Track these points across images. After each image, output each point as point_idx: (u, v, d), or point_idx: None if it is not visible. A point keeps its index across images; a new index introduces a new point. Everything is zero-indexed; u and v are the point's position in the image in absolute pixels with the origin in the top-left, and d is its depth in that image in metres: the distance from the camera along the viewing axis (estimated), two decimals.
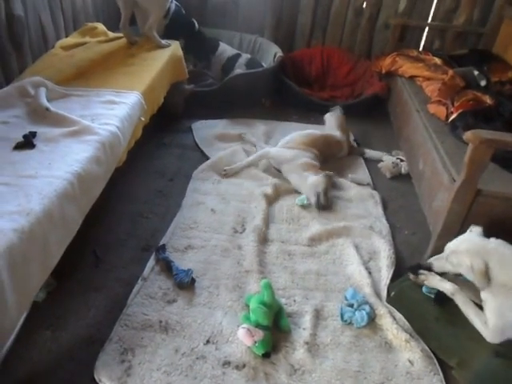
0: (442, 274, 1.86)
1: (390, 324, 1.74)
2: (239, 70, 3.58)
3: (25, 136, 1.73)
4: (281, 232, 2.25)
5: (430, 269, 1.87)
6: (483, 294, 1.70)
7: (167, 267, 1.94)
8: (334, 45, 4.12)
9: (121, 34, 2.95)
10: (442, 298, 1.83)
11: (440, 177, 2.13)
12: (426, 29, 4.00)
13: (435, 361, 1.65)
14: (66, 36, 2.93)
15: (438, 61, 3.38)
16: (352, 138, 3.21)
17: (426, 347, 1.69)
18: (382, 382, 1.57)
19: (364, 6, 3.93)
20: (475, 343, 1.68)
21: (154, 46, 2.90)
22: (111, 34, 3.03)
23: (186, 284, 1.84)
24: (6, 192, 1.43)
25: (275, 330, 1.68)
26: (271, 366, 1.57)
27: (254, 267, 1.97)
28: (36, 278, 1.38)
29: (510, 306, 1.64)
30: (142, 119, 2.30)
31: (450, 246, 1.81)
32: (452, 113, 2.54)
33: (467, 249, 1.72)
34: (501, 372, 1.60)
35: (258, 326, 1.63)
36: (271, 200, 2.47)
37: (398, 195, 2.68)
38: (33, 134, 1.76)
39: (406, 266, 2.05)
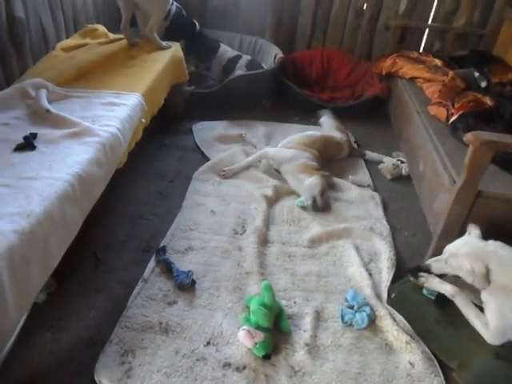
0: (442, 276, 1.85)
1: (390, 326, 1.74)
2: (240, 71, 3.59)
3: (25, 137, 1.73)
4: (281, 233, 2.25)
5: (428, 271, 1.87)
6: (484, 296, 1.70)
7: (167, 269, 1.94)
8: (335, 46, 4.13)
9: (121, 36, 2.96)
10: (442, 300, 1.83)
11: (440, 178, 2.13)
12: (427, 30, 4.00)
13: (436, 363, 1.65)
14: (67, 37, 2.93)
15: (438, 62, 3.38)
16: (353, 139, 3.21)
17: (427, 349, 1.68)
18: None
19: (364, 7, 3.94)
20: (476, 345, 1.68)
21: (154, 48, 2.91)
22: (112, 36, 3.04)
23: (186, 285, 1.84)
24: (7, 193, 1.43)
25: (275, 331, 1.68)
26: (271, 368, 1.57)
27: (254, 269, 1.97)
28: (36, 279, 1.38)
29: (511, 307, 1.64)
30: (143, 121, 2.30)
31: (450, 248, 1.81)
32: (452, 114, 2.54)
33: (467, 252, 1.72)
34: (501, 374, 1.59)
35: (258, 327, 1.63)
36: (271, 201, 2.47)
37: (399, 197, 2.68)
38: (33, 136, 1.76)
39: (407, 268, 2.06)
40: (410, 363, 1.63)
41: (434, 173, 2.24)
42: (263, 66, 3.72)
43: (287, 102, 3.67)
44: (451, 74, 2.94)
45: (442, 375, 1.61)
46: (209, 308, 1.79)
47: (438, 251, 1.88)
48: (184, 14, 3.54)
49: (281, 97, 3.68)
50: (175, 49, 2.99)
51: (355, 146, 3.14)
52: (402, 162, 2.89)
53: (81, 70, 2.46)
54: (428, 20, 3.95)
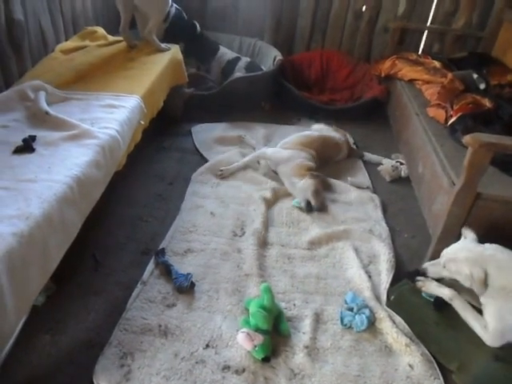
0: (440, 279, 1.86)
1: (389, 328, 1.74)
2: (239, 73, 3.59)
3: (24, 140, 1.73)
4: (280, 235, 2.25)
5: (425, 275, 1.87)
6: (482, 298, 1.70)
7: (167, 271, 1.93)
8: (334, 48, 4.13)
9: (120, 38, 2.96)
10: (440, 303, 1.83)
11: (439, 180, 2.13)
12: (426, 32, 4.01)
13: (435, 365, 1.64)
14: (66, 40, 2.93)
15: (437, 64, 3.39)
16: (352, 141, 3.21)
17: (426, 351, 1.68)
18: None
19: (363, 9, 3.95)
20: (475, 347, 1.68)
21: (153, 50, 2.92)
22: (111, 38, 3.04)
23: (185, 288, 1.84)
24: (6, 196, 1.43)
25: (275, 334, 1.68)
26: (271, 371, 1.57)
27: (253, 271, 1.97)
28: (35, 282, 1.38)
29: (510, 309, 1.64)
30: (142, 123, 2.30)
31: (447, 252, 1.81)
32: (451, 116, 2.54)
33: (466, 257, 1.72)
34: (500, 376, 1.60)
35: (257, 330, 1.63)
36: (270, 203, 2.47)
37: (398, 198, 2.68)
38: (32, 138, 1.76)
39: (406, 270, 2.07)
40: (410, 365, 1.63)
41: (433, 175, 2.24)
42: (262, 68, 3.72)
43: (286, 104, 3.67)
44: (450, 75, 2.95)
45: (441, 377, 1.60)
46: (208, 310, 1.78)
47: (438, 253, 1.89)
48: (184, 15, 3.55)
49: (280, 99, 3.68)
50: (174, 51, 3.00)
51: (354, 147, 3.14)
52: (401, 164, 2.89)
53: (80, 72, 2.47)
54: (427, 22, 3.96)
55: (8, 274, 1.21)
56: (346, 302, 1.85)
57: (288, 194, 2.56)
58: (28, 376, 1.52)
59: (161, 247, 2.07)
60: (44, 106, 2.00)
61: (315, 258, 2.13)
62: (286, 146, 2.79)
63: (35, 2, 2.56)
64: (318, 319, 1.79)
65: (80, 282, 1.89)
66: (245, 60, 3.72)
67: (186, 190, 2.54)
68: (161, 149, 2.98)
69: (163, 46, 2.97)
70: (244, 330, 1.63)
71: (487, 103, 2.61)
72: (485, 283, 1.65)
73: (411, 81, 3.29)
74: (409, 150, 2.85)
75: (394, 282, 1.99)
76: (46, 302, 1.75)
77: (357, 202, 2.57)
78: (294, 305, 1.85)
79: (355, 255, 2.11)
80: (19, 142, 1.72)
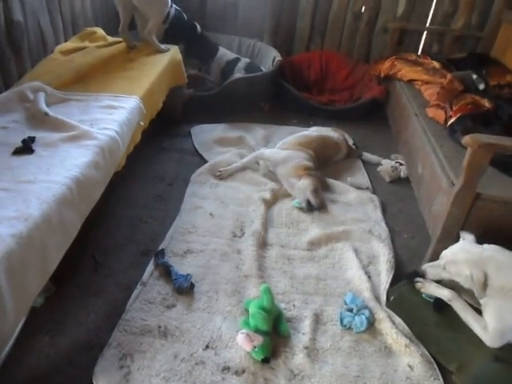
0: (439, 280, 1.86)
1: (389, 328, 1.74)
2: (238, 74, 3.59)
3: (23, 141, 1.73)
4: (280, 236, 2.25)
5: (424, 276, 1.87)
6: (482, 299, 1.70)
7: (166, 272, 1.93)
8: (333, 49, 4.14)
9: (120, 39, 2.96)
10: (440, 305, 1.83)
11: (439, 181, 2.13)
12: (425, 33, 4.02)
13: (435, 366, 1.64)
14: (65, 41, 2.93)
15: (436, 64, 3.39)
16: (351, 141, 3.21)
17: (426, 352, 1.68)
18: None
19: (362, 10, 3.95)
20: (475, 348, 1.68)
21: (153, 51, 2.92)
22: (110, 39, 3.04)
23: (185, 289, 1.84)
24: (5, 197, 1.43)
25: (274, 334, 1.68)
26: (271, 372, 1.56)
27: (253, 272, 1.97)
28: (34, 283, 1.38)
29: (509, 310, 1.64)
30: (141, 124, 2.30)
31: (447, 254, 1.81)
32: (451, 116, 2.54)
33: (465, 259, 1.72)
34: (500, 376, 1.59)
35: (257, 331, 1.63)
36: (270, 204, 2.47)
37: (397, 199, 2.68)
38: (32, 139, 1.76)
39: (405, 271, 2.06)
40: (410, 366, 1.63)
41: (433, 175, 2.24)
42: (262, 68, 3.73)
43: (286, 105, 3.67)
44: (449, 76, 2.95)
45: (441, 378, 1.60)
46: (208, 311, 1.78)
47: (437, 253, 1.89)
48: (184, 16, 3.54)
49: (279, 99, 3.69)
50: (174, 52, 3.00)
51: (353, 147, 3.14)
52: (401, 165, 2.90)
53: (79, 73, 2.47)
54: (426, 22, 3.96)
55: (7, 275, 1.21)
56: (346, 303, 1.85)
57: (287, 195, 2.56)
58: (27, 377, 1.51)
59: (160, 248, 2.07)
60: (43, 107, 2.00)
61: (315, 258, 2.13)
62: (284, 146, 2.80)
63: (34, 2, 2.57)
64: (317, 320, 1.79)
65: (79, 283, 1.89)
66: (244, 61, 3.72)
67: (185, 190, 2.54)
68: (160, 149, 2.98)
69: (163, 46, 2.97)
70: (244, 330, 1.63)
71: (486, 104, 2.61)
72: (484, 286, 1.65)
73: (410, 81, 3.30)
74: (408, 151, 2.85)
75: (394, 282, 1.98)
76: (45, 303, 1.75)
77: (356, 202, 2.56)
78: (294, 306, 1.85)
79: (355, 256, 2.11)
80: (18, 143, 1.72)
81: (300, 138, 2.86)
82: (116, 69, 2.63)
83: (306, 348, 1.65)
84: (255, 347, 1.57)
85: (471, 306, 1.79)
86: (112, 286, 1.89)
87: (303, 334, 1.71)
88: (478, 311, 1.75)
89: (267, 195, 2.49)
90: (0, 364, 1.48)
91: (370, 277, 2.02)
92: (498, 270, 1.66)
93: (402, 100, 3.17)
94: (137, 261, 2.03)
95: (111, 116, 2.05)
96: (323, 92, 4.02)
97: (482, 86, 2.93)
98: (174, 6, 3.41)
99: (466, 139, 1.79)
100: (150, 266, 1.97)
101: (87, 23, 3.21)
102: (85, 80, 2.43)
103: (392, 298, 1.90)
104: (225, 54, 3.75)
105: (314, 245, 2.20)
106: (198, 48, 3.66)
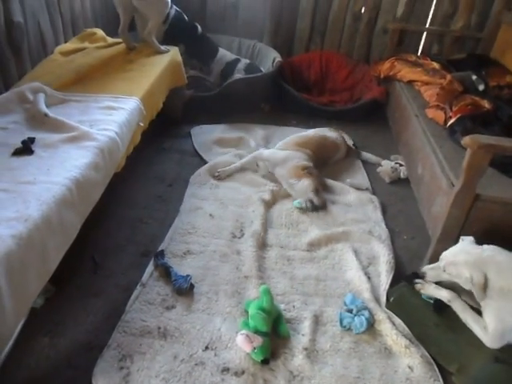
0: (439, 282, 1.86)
1: (389, 330, 1.74)
2: (238, 74, 3.59)
3: (23, 142, 1.73)
4: (280, 237, 2.24)
5: (423, 278, 1.87)
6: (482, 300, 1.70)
7: (166, 273, 1.93)
8: (333, 49, 4.13)
9: (120, 40, 2.96)
10: (440, 306, 1.83)
11: (439, 181, 2.13)
12: (425, 33, 4.01)
13: (435, 367, 1.64)
14: (65, 42, 2.93)
15: (436, 65, 3.39)
16: (351, 142, 3.21)
17: (426, 353, 1.68)
18: None
19: (362, 10, 3.95)
20: (475, 349, 1.68)
21: (152, 52, 2.92)
22: (110, 40, 3.04)
23: (184, 290, 1.84)
24: (5, 198, 1.43)
25: (274, 336, 1.68)
26: (270, 373, 1.56)
27: (252, 273, 1.96)
28: (34, 284, 1.38)
29: (509, 310, 1.64)
30: (141, 125, 2.30)
31: (447, 256, 1.81)
32: (450, 117, 2.54)
33: (465, 260, 1.72)
34: (500, 377, 1.59)
35: (256, 332, 1.62)
36: (269, 205, 2.47)
37: (397, 200, 2.68)
38: (31, 140, 1.76)
39: (405, 271, 2.07)
40: (409, 367, 1.63)
41: (432, 176, 2.24)
42: (262, 69, 3.73)
43: (286, 106, 3.67)
44: (449, 77, 2.95)
45: (441, 379, 1.60)
46: (207, 312, 1.78)
47: (437, 254, 1.89)
48: (184, 17, 3.52)
49: (279, 100, 3.68)
50: (174, 53, 3.00)
51: (353, 147, 3.14)
52: (401, 165, 2.89)
53: (79, 74, 2.47)
54: (426, 23, 3.96)
55: (6, 276, 1.21)
56: (346, 304, 1.85)
57: (287, 196, 2.56)
58: (26, 379, 1.51)
59: (160, 249, 2.06)
60: (43, 108, 2.00)
61: (314, 259, 2.12)
62: (283, 147, 2.80)
63: (34, 4, 2.57)
64: (317, 321, 1.78)
65: (79, 284, 1.89)
66: (244, 62, 3.72)
67: (185, 191, 2.54)
68: (160, 150, 2.98)
69: (162, 47, 2.97)
70: (243, 331, 1.63)
71: (486, 104, 2.61)
72: (485, 288, 1.65)
73: (410, 82, 3.30)
74: (408, 151, 2.85)
75: (394, 283, 1.98)
76: (44, 304, 1.75)
77: (356, 203, 2.56)
78: (294, 306, 1.85)
79: (354, 257, 2.11)
80: (18, 144, 1.72)
81: (298, 138, 2.86)
82: (116, 70, 2.63)
83: (306, 349, 1.65)
84: (255, 348, 1.57)
85: (471, 306, 1.78)
86: (112, 287, 1.89)
87: (303, 335, 1.71)
88: (479, 312, 1.74)
89: (267, 196, 2.49)
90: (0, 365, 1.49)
91: (369, 278, 2.02)
92: (497, 271, 1.66)
93: (402, 101, 3.17)
94: (136, 262, 2.02)
95: (111, 117, 2.05)
96: (323, 93, 4.01)
97: (481, 87, 2.93)
98: (174, 7, 3.41)
99: (466, 140, 1.78)
100: (150, 267, 1.97)
101: (87, 24, 3.22)
102: (85, 81, 2.43)
103: (392, 298, 1.90)
104: (224, 55, 3.75)
105: (313, 246, 2.20)
106: (198, 49, 3.66)
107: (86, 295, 1.84)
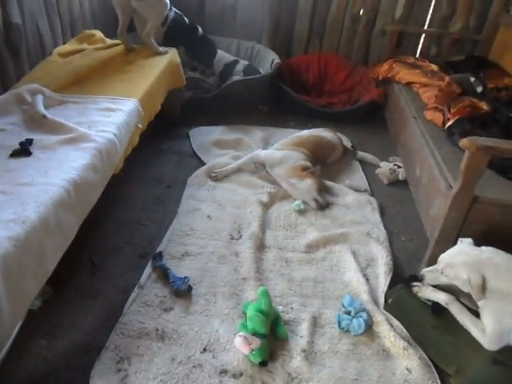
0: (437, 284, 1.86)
1: (387, 331, 1.73)
2: (237, 76, 3.59)
3: (21, 143, 1.73)
4: (278, 238, 2.24)
5: (422, 281, 1.87)
6: (480, 302, 1.70)
7: (164, 275, 1.93)
8: (331, 51, 4.14)
9: (118, 41, 2.96)
10: (438, 308, 1.83)
11: (437, 183, 2.13)
12: (423, 35, 4.02)
13: (433, 369, 1.64)
14: (64, 43, 2.93)
15: (434, 67, 3.39)
16: (349, 143, 3.22)
17: (424, 355, 1.68)
18: None
19: (361, 12, 3.95)
20: (473, 351, 1.68)
21: (151, 53, 2.92)
22: (109, 41, 3.04)
23: (182, 292, 1.83)
24: (2, 200, 1.42)
25: (272, 337, 1.67)
26: (268, 375, 1.56)
27: (251, 274, 1.96)
28: (31, 286, 1.37)
29: (507, 312, 1.64)
30: (139, 126, 2.30)
31: (444, 258, 1.81)
32: (449, 119, 2.54)
33: (463, 262, 1.72)
34: (498, 379, 1.59)
35: (254, 333, 1.62)
36: (267, 206, 2.47)
37: (396, 201, 2.68)
38: (29, 142, 1.76)
39: (404, 273, 2.07)
40: (408, 369, 1.63)
41: (431, 178, 2.25)
42: (260, 71, 3.73)
43: (284, 107, 3.67)
44: (447, 79, 2.95)
45: (439, 381, 1.60)
46: (205, 314, 1.78)
47: (435, 256, 1.89)
48: (184, 19, 3.48)
49: (278, 102, 3.68)
50: (172, 54, 3.00)
51: (351, 148, 3.14)
52: (399, 167, 2.90)
53: (77, 75, 2.46)
54: (424, 25, 3.97)
55: (4, 278, 1.20)
56: (344, 306, 1.85)
57: (285, 197, 2.56)
58: (24, 380, 1.51)
59: (158, 251, 2.06)
60: (41, 109, 1.99)
61: (313, 261, 2.12)
62: (279, 147, 2.80)
63: (33, 5, 2.57)
64: (315, 323, 1.78)
65: (77, 286, 1.88)
66: (243, 63, 3.72)
67: (183, 193, 2.53)
68: (159, 152, 2.98)
69: (161, 49, 2.97)
70: (241, 333, 1.62)
71: (484, 106, 2.61)
72: (483, 290, 1.65)
73: (408, 84, 3.30)
74: (406, 153, 2.85)
75: (392, 285, 1.98)
76: (42, 306, 1.74)
77: (354, 204, 2.56)
78: (292, 308, 1.85)
79: (353, 258, 2.11)
80: (16, 146, 1.71)
81: (294, 138, 2.87)
82: (114, 71, 2.63)
83: (304, 351, 1.65)
84: (253, 350, 1.57)
85: (470, 309, 1.78)
86: (110, 288, 1.88)
87: (301, 336, 1.71)
88: (477, 314, 1.74)
89: (264, 198, 2.49)
90: None
91: (368, 279, 2.01)
92: (495, 272, 1.66)
93: (401, 103, 3.17)
94: (134, 263, 2.02)
95: (109, 118, 2.05)
96: (322, 94, 4.02)
97: (479, 89, 2.93)
98: (173, 9, 3.40)
99: (464, 142, 1.79)
100: (148, 269, 1.97)
101: (86, 26, 3.21)
102: (83, 82, 2.43)
103: (390, 300, 1.90)
104: (223, 56, 3.75)
105: (311, 247, 2.20)
106: (199, 51, 3.65)
107: (84, 297, 1.83)
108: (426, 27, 3.97)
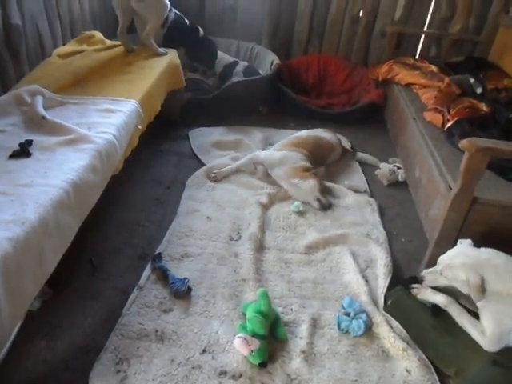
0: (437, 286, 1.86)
1: (386, 333, 1.73)
2: (236, 77, 3.60)
3: (21, 144, 1.73)
4: (277, 240, 2.24)
5: (421, 282, 1.87)
6: (479, 303, 1.70)
7: (163, 276, 1.93)
8: (331, 52, 4.15)
9: (118, 42, 2.97)
10: (438, 309, 1.82)
11: (436, 184, 2.13)
12: (422, 36, 4.03)
13: (433, 370, 1.64)
14: (64, 44, 2.93)
15: (434, 68, 3.40)
16: (349, 145, 3.22)
17: (424, 356, 1.67)
18: None
19: (360, 14, 3.96)
20: (473, 352, 1.67)
21: (151, 54, 2.92)
22: (108, 42, 3.04)
23: (182, 293, 1.83)
24: (2, 201, 1.42)
25: (272, 339, 1.67)
26: (268, 376, 1.56)
27: (250, 275, 1.96)
28: (31, 287, 1.37)
29: (507, 314, 1.64)
30: (139, 127, 2.30)
31: (444, 259, 1.81)
32: (448, 120, 2.54)
33: (462, 263, 1.72)
34: (498, 381, 1.59)
35: (254, 335, 1.62)
36: (266, 207, 2.47)
37: (395, 202, 2.68)
38: (29, 143, 1.76)
39: (403, 274, 2.07)
40: (407, 370, 1.63)
41: (430, 179, 2.25)
42: (260, 72, 3.73)
43: (284, 108, 3.68)
44: (447, 80, 2.95)
45: (438, 383, 1.60)
46: (205, 315, 1.78)
47: (435, 257, 1.89)
48: (185, 21, 3.47)
49: (277, 103, 3.69)
50: (172, 55, 3.00)
51: (350, 150, 3.14)
52: (399, 168, 2.90)
53: (77, 76, 2.47)
54: (424, 26, 3.98)
55: (3, 278, 1.20)
56: (343, 307, 1.85)
57: (284, 198, 2.56)
58: (23, 382, 1.50)
59: (157, 252, 2.06)
60: (41, 110, 2.00)
61: (312, 262, 2.12)
62: (278, 148, 2.80)
63: (33, 6, 2.57)
64: (314, 324, 1.78)
65: (77, 287, 1.88)
66: (242, 64, 3.73)
67: (182, 194, 2.53)
68: (158, 153, 2.98)
69: (161, 50, 2.97)
70: (241, 335, 1.62)
71: (484, 107, 2.61)
72: (481, 290, 1.65)
73: (408, 85, 3.30)
74: (406, 154, 2.85)
75: (391, 286, 1.98)
76: (41, 307, 1.74)
77: (354, 206, 2.56)
78: (291, 310, 1.85)
79: (352, 260, 2.11)
80: (16, 147, 1.72)
81: (293, 139, 2.88)
82: (114, 72, 2.63)
83: (304, 352, 1.64)
84: (252, 351, 1.57)
85: (470, 310, 1.78)
86: (109, 289, 1.88)
87: (300, 338, 1.71)
88: (477, 315, 1.74)
89: (264, 199, 2.49)
90: None
91: (367, 281, 2.01)
92: (494, 273, 1.66)
93: (400, 104, 3.17)
94: (134, 265, 2.02)
95: (109, 119, 2.05)
96: (321, 95, 4.02)
97: (479, 90, 2.93)
98: (174, 10, 3.39)
99: (463, 143, 1.79)
100: (147, 270, 1.97)
101: (86, 27, 3.22)
102: (83, 83, 2.43)
103: (389, 301, 1.89)
104: (223, 57, 3.76)
105: (311, 248, 2.20)
106: (200, 52, 3.64)
107: (84, 298, 1.83)
108: (425, 28, 3.98)
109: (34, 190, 1.49)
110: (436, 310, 1.82)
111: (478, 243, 1.81)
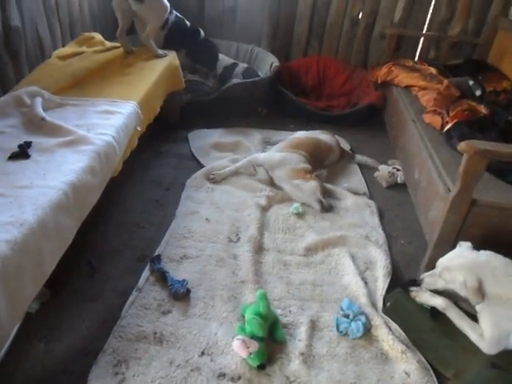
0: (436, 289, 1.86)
1: (385, 335, 1.73)
2: (236, 79, 3.60)
3: (20, 146, 1.73)
4: (276, 241, 2.24)
5: (420, 285, 1.87)
6: (478, 306, 1.69)
7: (162, 278, 1.92)
8: (330, 55, 4.15)
9: (118, 44, 2.97)
10: (437, 312, 1.82)
11: (435, 186, 2.13)
12: (422, 39, 4.03)
13: (431, 372, 1.63)
14: (63, 46, 2.93)
15: (433, 70, 3.40)
16: (348, 147, 3.22)
17: (423, 358, 1.67)
18: None
19: (360, 16, 3.97)
20: (471, 354, 1.67)
21: (151, 56, 2.92)
22: (108, 44, 3.05)
23: (181, 295, 1.83)
24: (0, 203, 1.42)
25: (270, 341, 1.67)
26: (266, 378, 1.56)
27: (249, 277, 1.96)
28: (29, 289, 1.37)
29: (505, 316, 1.64)
30: (138, 129, 2.30)
31: (443, 261, 1.81)
32: (447, 122, 2.55)
33: (460, 265, 1.72)
34: (496, 383, 1.59)
35: (253, 337, 1.62)
36: (265, 209, 2.46)
37: (395, 204, 2.68)
38: (28, 144, 1.76)
39: (402, 276, 2.07)
40: (406, 373, 1.62)
41: (429, 181, 2.25)
42: (259, 74, 3.73)
43: (283, 110, 3.68)
44: (446, 82, 2.96)
45: None
46: (204, 317, 1.77)
47: (434, 259, 1.89)
48: (185, 23, 3.46)
49: (277, 104, 3.69)
50: (172, 57, 3.01)
51: (349, 151, 3.15)
52: (398, 170, 2.90)
53: (77, 78, 2.47)
54: (423, 29, 3.98)
55: (1, 280, 1.20)
56: (342, 309, 1.85)
57: (283, 200, 2.56)
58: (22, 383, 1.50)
59: (156, 253, 2.06)
60: (40, 112, 2.00)
61: (311, 264, 2.12)
62: (277, 149, 2.80)
63: (32, 8, 2.57)
64: (313, 326, 1.78)
65: (75, 289, 1.88)
66: (242, 66, 3.73)
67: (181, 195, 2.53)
68: (158, 154, 2.98)
69: (160, 51, 2.97)
70: (239, 337, 1.62)
71: (483, 110, 2.62)
72: (479, 292, 1.64)
73: (407, 87, 3.31)
74: (405, 156, 2.85)
75: (391, 288, 1.98)
76: (40, 309, 1.74)
77: (353, 208, 2.56)
78: (290, 311, 1.85)
79: (351, 262, 2.11)
80: (15, 148, 1.72)
81: (290, 140, 2.88)
82: (113, 74, 2.63)
83: (302, 354, 1.64)
84: (251, 353, 1.57)
85: (469, 313, 1.78)
86: (108, 291, 1.88)
87: (299, 340, 1.71)
88: (475, 318, 1.74)
89: (263, 200, 2.49)
90: None
91: (366, 283, 2.01)
92: (493, 276, 1.66)
93: (399, 106, 3.18)
94: (133, 266, 2.02)
95: (108, 121, 2.05)
96: (321, 97, 4.03)
97: (478, 92, 2.94)
98: (174, 12, 3.39)
99: (462, 145, 1.79)
100: (146, 272, 1.96)
101: (85, 28, 3.22)
102: (82, 85, 2.43)
103: (388, 304, 1.89)
104: (222, 59, 3.75)
105: (310, 250, 2.20)
106: (201, 53, 3.64)
107: (82, 300, 1.83)
108: (424, 31, 3.98)
109: (33, 192, 1.49)
110: (435, 313, 1.82)
111: (478, 246, 1.81)
